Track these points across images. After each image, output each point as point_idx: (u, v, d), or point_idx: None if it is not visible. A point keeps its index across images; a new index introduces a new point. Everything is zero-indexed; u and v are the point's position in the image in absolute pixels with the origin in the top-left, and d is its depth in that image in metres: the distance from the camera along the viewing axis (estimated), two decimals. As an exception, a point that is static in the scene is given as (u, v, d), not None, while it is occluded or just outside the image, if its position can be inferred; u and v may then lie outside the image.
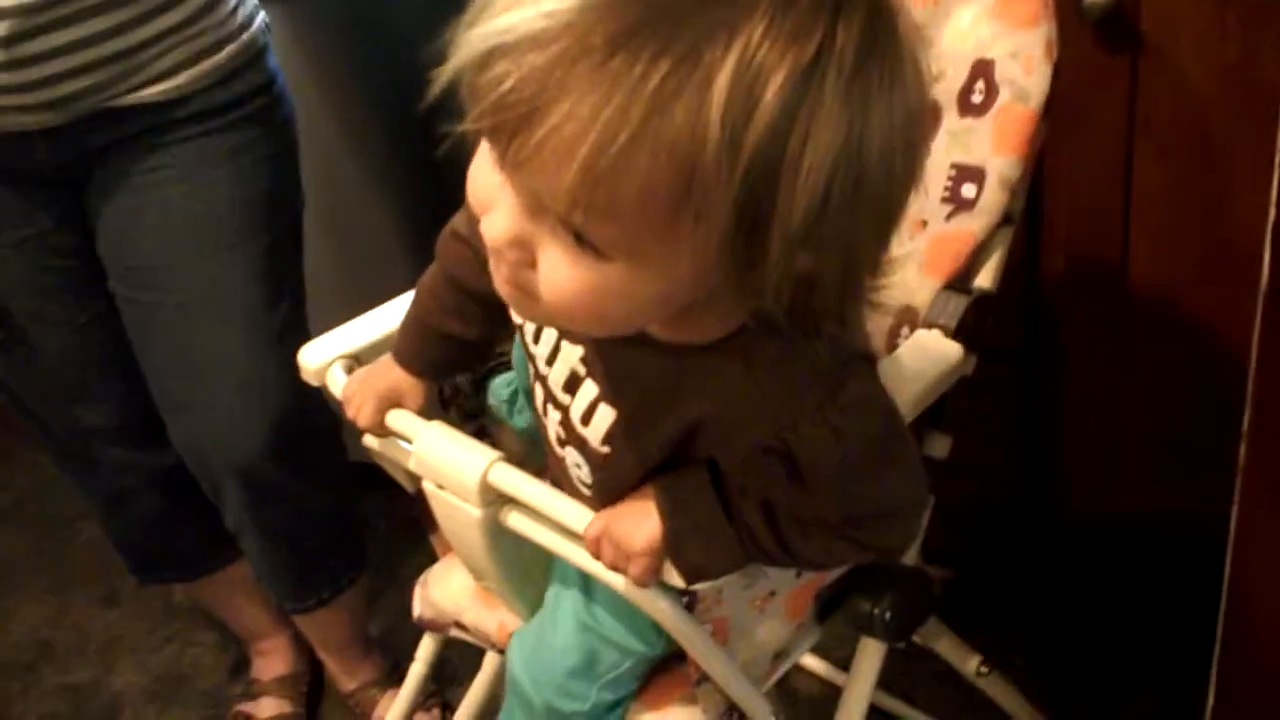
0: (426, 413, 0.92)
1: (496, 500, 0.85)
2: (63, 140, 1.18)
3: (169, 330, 1.25)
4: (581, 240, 0.61)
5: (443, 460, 0.87)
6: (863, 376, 0.74)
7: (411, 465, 0.89)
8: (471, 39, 0.59)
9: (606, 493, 0.82)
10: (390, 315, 1.02)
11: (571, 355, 0.80)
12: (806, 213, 0.58)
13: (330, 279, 1.47)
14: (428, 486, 0.89)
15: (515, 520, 0.85)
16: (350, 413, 0.93)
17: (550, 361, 0.82)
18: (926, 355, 0.91)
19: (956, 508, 1.16)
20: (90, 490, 1.43)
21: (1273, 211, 0.66)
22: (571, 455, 0.84)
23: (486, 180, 0.64)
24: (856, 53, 0.57)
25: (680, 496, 0.77)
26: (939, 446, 0.98)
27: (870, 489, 0.77)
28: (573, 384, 0.81)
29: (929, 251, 0.96)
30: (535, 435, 0.98)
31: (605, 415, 0.79)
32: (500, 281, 0.67)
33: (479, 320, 0.92)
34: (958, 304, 0.93)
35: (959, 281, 0.95)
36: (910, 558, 1.03)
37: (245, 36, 1.22)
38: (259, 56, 1.25)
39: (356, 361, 0.99)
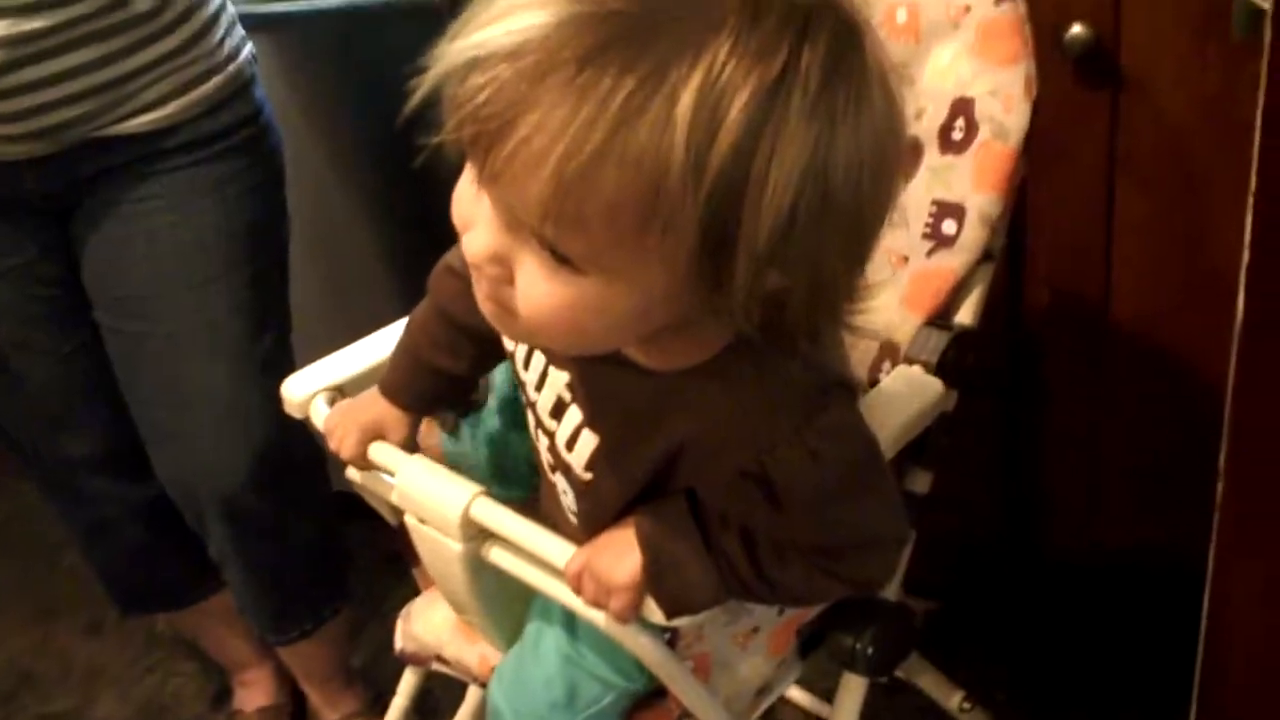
0: (410, 446, 0.93)
1: (478, 535, 0.85)
2: (50, 169, 1.18)
3: (154, 360, 1.25)
4: (555, 254, 0.62)
5: (424, 494, 0.87)
6: (842, 404, 0.75)
7: (393, 499, 0.89)
8: (450, 52, 0.61)
9: (590, 521, 0.82)
10: (374, 347, 1.03)
11: (558, 381, 0.81)
12: (772, 230, 0.59)
13: (317, 308, 1.47)
14: (410, 520, 0.89)
15: (497, 555, 0.85)
16: (333, 444, 0.93)
17: (539, 387, 0.83)
18: (907, 391, 0.92)
19: (939, 541, 1.17)
20: (73, 521, 1.43)
21: (1247, 253, 0.67)
22: (560, 482, 0.85)
23: (467, 197, 0.66)
24: (822, 73, 0.59)
25: (660, 528, 0.77)
26: (920, 482, 0.98)
27: (847, 517, 0.77)
28: (559, 410, 0.81)
29: (910, 287, 0.97)
30: (500, 458, 0.98)
31: (588, 441, 0.80)
32: (481, 298, 0.69)
33: (469, 356, 0.92)
34: (939, 340, 0.94)
35: (940, 317, 0.95)
36: (892, 592, 1.03)
37: (232, 67, 1.23)
38: (246, 87, 1.26)
39: (340, 394, 0.99)
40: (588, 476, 0.81)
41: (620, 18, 0.58)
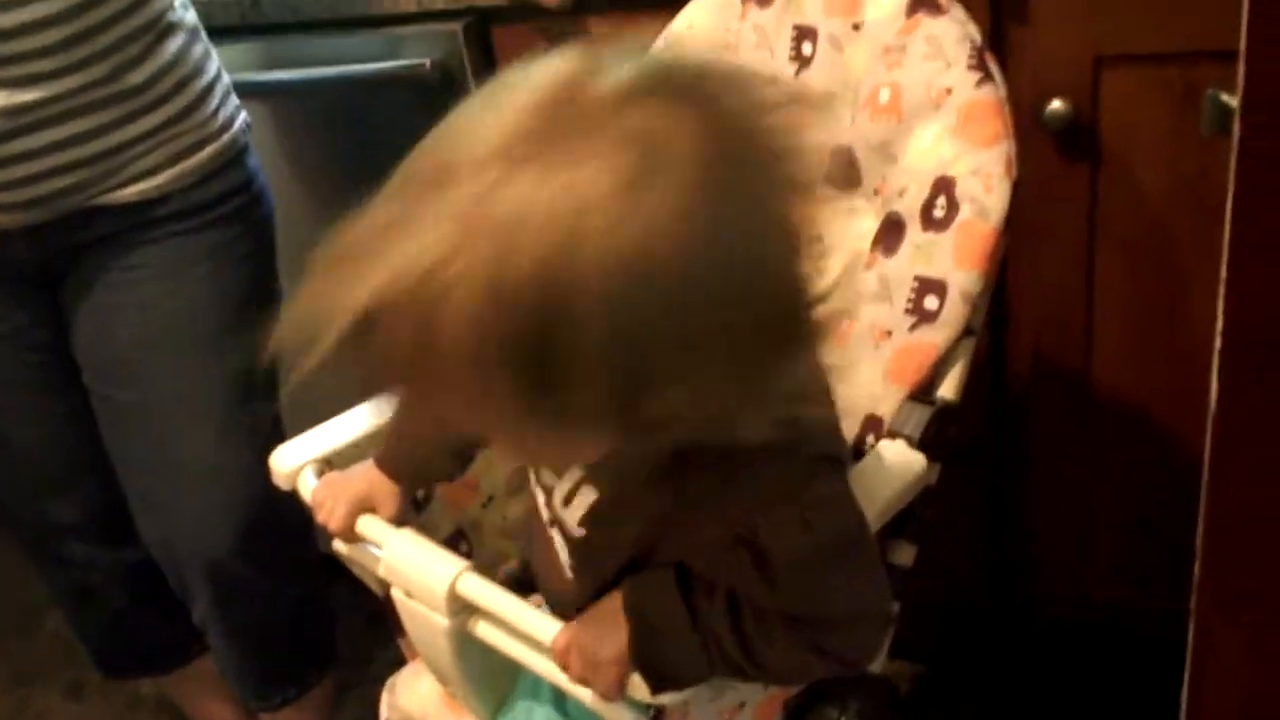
0: (401, 520, 0.93)
1: (464, 610, 0.85)
2: (42, 238, 1.18)
3: (142, 427, 1.25)
4: None
5: (411, 568, 0.87)
6: (830, 476, 0.77)
7: (380, 572, 0.90)
8: None
9: (583, 578, 0.83)
10: (363, 418, 1.03)
11: None
12: (607, 359, 0.56)
13: (306, 381, 1.47)
14: (396, 594, 0.90)
15: (484, 630, 0.85)
16: (321, 517, 0.94)
17: None
18: (890, 466, 0.93)
19: (926, 604, 1.17)
20: (56, 585, 1.42)
21: (1218, 340, 0.68)
22: (556, 537, 0.86)
23: None
24: (613, 184, 0.55)
25: (646, 605, 0.78)
26: (904, 555, 0.99)
27: (833, 588, 0.78)
28: None
29: (893, 361, 0.98)
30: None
31: (586, 496, 0.81)
32: None
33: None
34: (921, 414, 0.95)
35: (923, 392, 0.96)
36: (878, 662, 1.03)
37: (226, 137, 1.24)
38: (239, 156, 1.27)
39: (328, 465, 1.00)
40: (580, 533, 0.82)
41: None
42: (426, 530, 1.06)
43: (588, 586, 0.81)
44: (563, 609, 0.86)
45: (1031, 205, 1.24)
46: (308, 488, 0.97)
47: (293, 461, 0.99)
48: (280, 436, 1.27)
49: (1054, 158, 1.23)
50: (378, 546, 0.91)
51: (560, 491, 0.83)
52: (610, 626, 0.77)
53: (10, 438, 1.30)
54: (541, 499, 0.86)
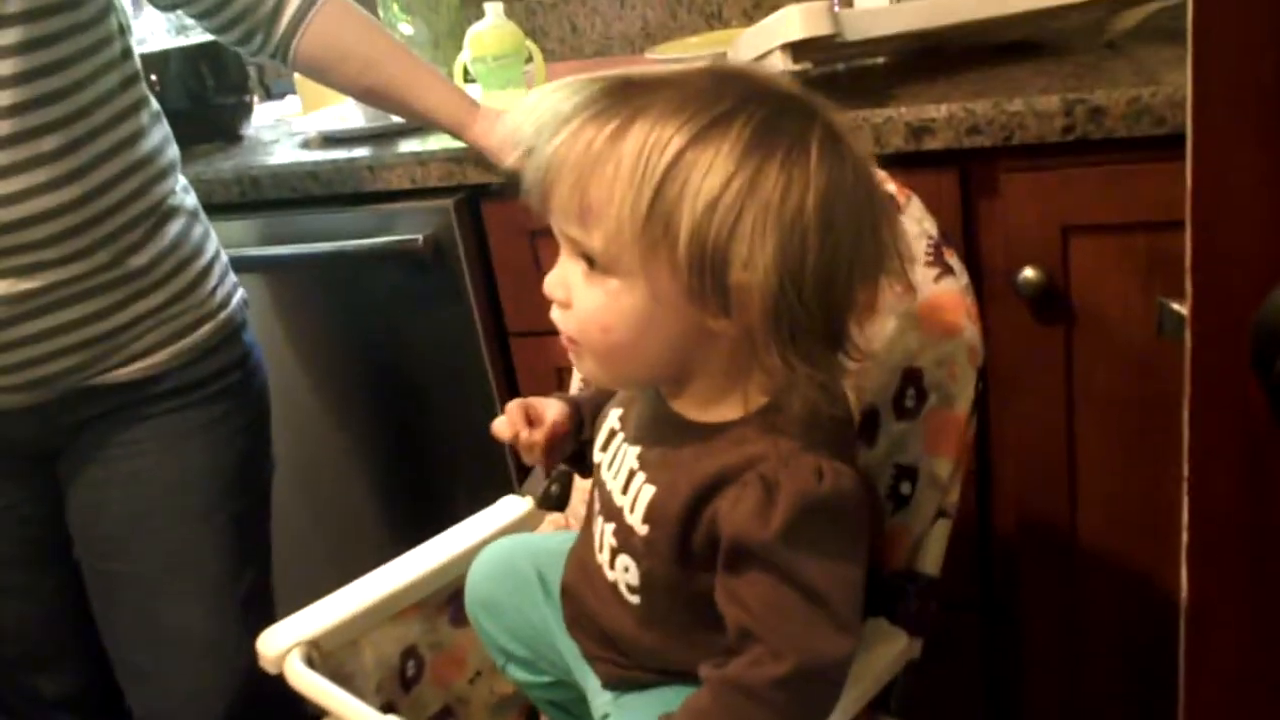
0: (558, 428, 1.00)
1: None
2: (41, 417, 1.20)
3: (133, 600, 1.26)
4: (586, 258, 0.79)
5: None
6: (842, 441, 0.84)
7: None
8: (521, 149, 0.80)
9: (650, 599, 0.87)
10: (354, 596, 1.04)
11: (630, 455, 0.88)
12: (698, 231, 0.73)
13: (303, 545, 1.47)
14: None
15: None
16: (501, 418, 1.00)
17: (611, 464, 0.91)
18: (872, 644, 0.93)
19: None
20: (43, 760, 1.41)
21: (1185, 534, 0.70)
22: (622, 561, 0.88)
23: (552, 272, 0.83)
24: (756, 130, 0.75)
25: None
26: (890, 729, 0.99)
27: (819, 546, 0.78)
28: (629, 482, 0.87)
29: (880, 551, 0.99)
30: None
31: (646, 494, 0.85)
32: (565, 342, 0.83)
33: None
34: (901, 592, 0.96)
35: (903, 571, 0.98)
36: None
37: (224, 314, 1.27)
38: (236, 332, 1.29)
39: (316, 648, 1.00)
40: (644, 531, 0.85)
41: (611, 91, 0.77)
42: (415, 708, 1.07)
43: (654, 591, 0.86)
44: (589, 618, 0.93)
45: (1010, 366, 1.27)
46: (296, 672, 0.97)
47: (281, 644, 0.99)
48: (271, 608, 1.28)
49: (1029, 321, 1.26)
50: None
51: (628, 502, 0.87)
52: None
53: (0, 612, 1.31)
54: (610, 528, 0.89)
